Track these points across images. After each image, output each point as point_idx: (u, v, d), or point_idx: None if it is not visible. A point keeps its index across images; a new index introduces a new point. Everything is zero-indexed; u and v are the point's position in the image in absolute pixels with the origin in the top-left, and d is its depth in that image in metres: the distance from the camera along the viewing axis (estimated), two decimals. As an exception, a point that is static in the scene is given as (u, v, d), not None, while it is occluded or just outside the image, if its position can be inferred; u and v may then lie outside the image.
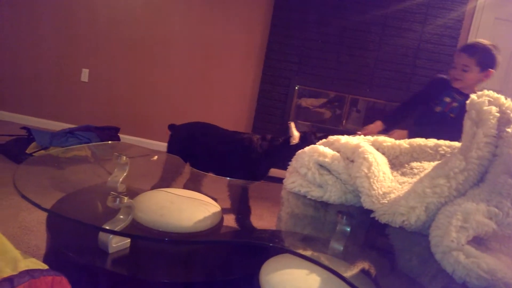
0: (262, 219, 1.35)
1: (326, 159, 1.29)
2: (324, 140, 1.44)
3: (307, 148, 1.36)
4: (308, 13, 3.25)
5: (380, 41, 3.25)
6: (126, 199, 0.97)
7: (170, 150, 2.16)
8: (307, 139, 2.08)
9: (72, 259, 1.00)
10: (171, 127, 2.24)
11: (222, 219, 1.25)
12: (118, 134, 3.38)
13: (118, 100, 3.67)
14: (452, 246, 0.86)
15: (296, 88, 3.40)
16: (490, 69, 1.80)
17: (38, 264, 0.80)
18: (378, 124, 2.06)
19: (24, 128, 2.94)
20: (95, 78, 3.65)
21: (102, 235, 0.96)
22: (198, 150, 2.11)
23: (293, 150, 2.08)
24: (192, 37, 3.53)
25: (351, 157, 1.29)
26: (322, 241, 1.10)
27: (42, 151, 2.69)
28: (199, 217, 1.16)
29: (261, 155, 2.04)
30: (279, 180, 1.44)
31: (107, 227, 0.94)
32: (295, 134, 2.05)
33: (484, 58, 1.79)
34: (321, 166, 1.31)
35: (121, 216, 1.00)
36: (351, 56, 3.29)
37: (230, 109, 3.62)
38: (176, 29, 3.52)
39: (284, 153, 2.11)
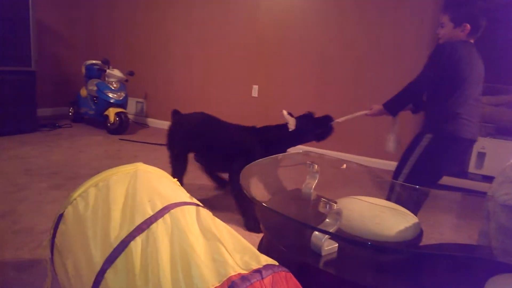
0: (458, 231, 1.25)
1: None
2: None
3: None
4: None
5: None
6: (335, 205, 1.04)
7: (172, 137, 2.28)
8: (304, 123, 2.08)
9: (283, 256, 1.12)
10: (175, 112, 2.40)
11: (421, 231, 1.21)
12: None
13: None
14: None
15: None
16: (465, 24, 1.69)
17: (270, 260, 0.92)
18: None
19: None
20: (264, 93, 4.02)
21: (315, 238, 1.05)
22: (200, 141, 2.19)
23: (293, 135, 2.08)
24: (373, 49, 3.53)
25: None
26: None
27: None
28: (401, 227, 1.14)
29: (261, 145, 2.06)
30: (451, 189, 1.30)
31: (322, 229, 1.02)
32: (291, 120, 2.06)
33: (457, 13, 1.72)
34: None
35: (329, 221, 1.07)
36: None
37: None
38: (334, 44, 3.58)
39: (283, 140, 2.11)
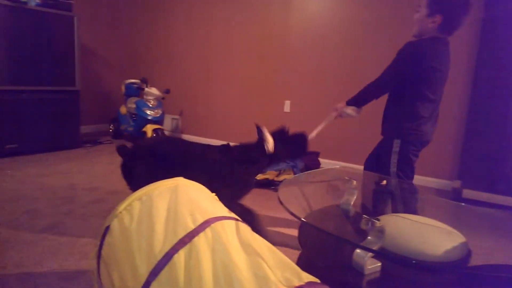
0: (509, 251, 1.17)
1: None
2: None
3: None
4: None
5: None
6: (378, 222, 1.01)
7: (132, 175, 1.81)
8: (281, 145, 1.80)
9: (323, 274, 1.10)
10: (122, 147, 1.86)
11: (469, 251, 1.15)
12: (318, 158, 3.60)
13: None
14: None
15: None
16: (438, 15, 1.57)
17: (311, 277, 0.91)
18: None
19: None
20: (296, 108, 4.03)
21: (357, 257, 1.02)
22: (166, 169, 1.76)
23: (269, 157, 1.79)
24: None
25: None
26: None
27: (260, 175, 3.11)
28: (448, 246, 1.09)
29: (235, 166, 1.77)
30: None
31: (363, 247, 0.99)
32: (270, 140, 1.79)
33: (435, 1, 1.58)
34: None
35: (372, 239, 1.04)
36: None
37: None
38: (370, 58, 3.55)
39: (259, 162, 1.81)
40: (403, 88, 1.68)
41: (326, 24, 3.76)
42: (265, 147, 1.77)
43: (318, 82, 3.86)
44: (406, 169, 1.73)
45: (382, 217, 1.28)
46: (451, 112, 3.19)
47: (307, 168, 3.22)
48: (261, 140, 1.79)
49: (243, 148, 1.84)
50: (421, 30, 1.67)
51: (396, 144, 1.72)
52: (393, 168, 1.72)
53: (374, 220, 1.01)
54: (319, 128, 1.94)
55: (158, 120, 4.26)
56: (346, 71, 3.69)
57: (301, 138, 1.90)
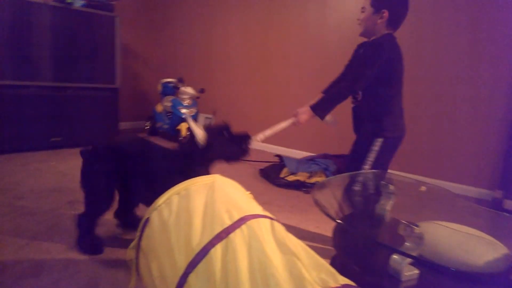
0: None
1: None
2: None
3: None
4: None
5: None
6: (417, 229, 0.99)
7: (90, 179, 1.72)
8: (216, 139, 1.61)
9: (357, 278, 1.08)
10: (85, 151, 1.77)
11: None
12: (351, 162, 3.54)
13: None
14: None
15: None
16: (384, 10, 1.65)
17: (347, 280, 0.90)
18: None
19: (277, 155, 3.51)
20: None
21: (395, 262, 1.00)
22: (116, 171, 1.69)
23: (202, 153, 1.60)
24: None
25: None
26: None
27: (292, 176, 3.10)
28: (490, 256, 1.05)
29: (170, 168, 1.63)
30: None
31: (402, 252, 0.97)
32: (199, 132, 1.59)
33: None
34: None
35: (410, 245, 1.01)
36: None
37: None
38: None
39: (195, 160, 1.62)
40: (376, 86, 1.69)
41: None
42: (196, 139, 1.61)
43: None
44: (381, 169, 1.74)
45: (421, 224, 1.24)
46: (495, 115, 3.04)
47: (339, 171, 3.18)
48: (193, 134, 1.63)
49: (181, 145, 1.71)
50: (369, 28, 1.73)
51: (377, 143, 1.72)
52: (366, 166, 1.72)
53: (413, 226, 0.99)
54: (269, 132, 1.78)
55: (192, 119, 4.35)
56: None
57: (243, 138, 1.73)
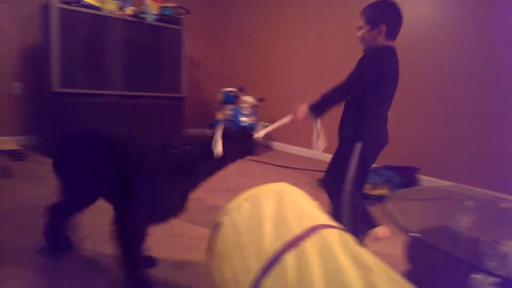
0: None
1: None
2: None
3: None
4: None
5: None
6: (503, 247, 0.92)
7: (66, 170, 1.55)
8: (229, 147, 1.52)
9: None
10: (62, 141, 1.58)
11: None
12: (416, 175, 3.37)
13: (415, 140, 3.69)
14: None
15: None
16: (382, 25, 1.69)
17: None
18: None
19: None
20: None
21: (476, 282, 0.95)
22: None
23: (216, 162, 1.51)
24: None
25: None
26: None
27: (353, 187, 3.02)
28: None
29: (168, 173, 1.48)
30: None
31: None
32: (219, 146, 1.48)
33: (371, 15, 1.73)
34: None
35: (493, 264, 0.95)
36: None
37: None
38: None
39: (203, 168, 1.54)
40: (364, 94, 1.72)
41: (418, 36, 3.53)
42: (214, 151, 1.50)
43: (415, 91, 3.64)
44: (363, 174, 1.76)
45: (505, 243, 1.16)
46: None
47: (403, 184, 3.05)
48: (210, 141, 1.50)
49: (186, 150, 1.53)
50: (369, 43, 1.77)
51: (357, 147, 1.72)
52: (351, 173, 1.72)
53: (497, 245, 0.92)
54: (269, 128, 1.85)
55: (252, 127, 4.44)
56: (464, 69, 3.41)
57: (246, 137, 1.67)
